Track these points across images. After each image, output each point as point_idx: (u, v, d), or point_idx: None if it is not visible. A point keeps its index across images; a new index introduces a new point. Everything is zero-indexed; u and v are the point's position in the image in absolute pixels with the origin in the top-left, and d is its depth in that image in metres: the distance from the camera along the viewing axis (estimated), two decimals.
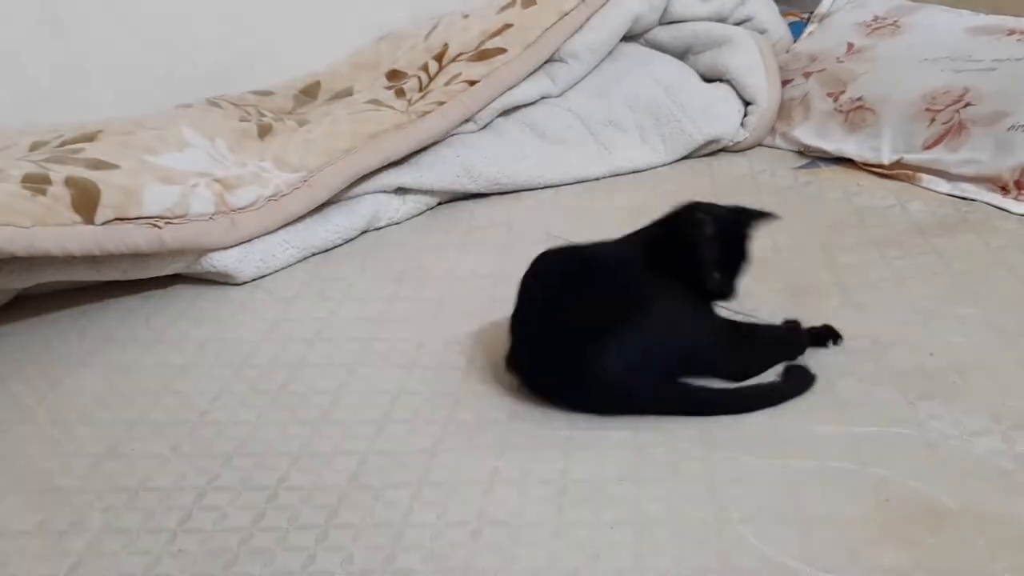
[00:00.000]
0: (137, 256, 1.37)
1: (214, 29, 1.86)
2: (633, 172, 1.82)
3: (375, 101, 1.75)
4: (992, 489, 0.89)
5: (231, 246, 1.43)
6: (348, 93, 1.86)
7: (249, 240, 1.45)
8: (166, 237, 1.36)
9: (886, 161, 1.66)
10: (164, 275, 1.43)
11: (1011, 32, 1.74)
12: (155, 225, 1.36)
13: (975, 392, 1.04)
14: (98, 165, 1.39)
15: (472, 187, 1.71)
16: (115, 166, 1.40)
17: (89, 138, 1.47)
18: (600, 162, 1.81)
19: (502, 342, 1.18)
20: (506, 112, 1.83)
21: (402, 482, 0.95)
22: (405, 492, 0.94)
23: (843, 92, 1.77)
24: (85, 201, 1.32)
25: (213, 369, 1.21)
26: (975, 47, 1.72)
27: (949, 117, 1.61)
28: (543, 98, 1.88)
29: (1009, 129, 1.54)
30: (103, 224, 1.32)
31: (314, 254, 1.52)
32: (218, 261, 1.42)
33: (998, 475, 0.91)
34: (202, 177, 1.46)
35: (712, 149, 1.86)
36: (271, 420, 1.08)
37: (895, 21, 1.90)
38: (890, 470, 0.92)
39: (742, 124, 1.86)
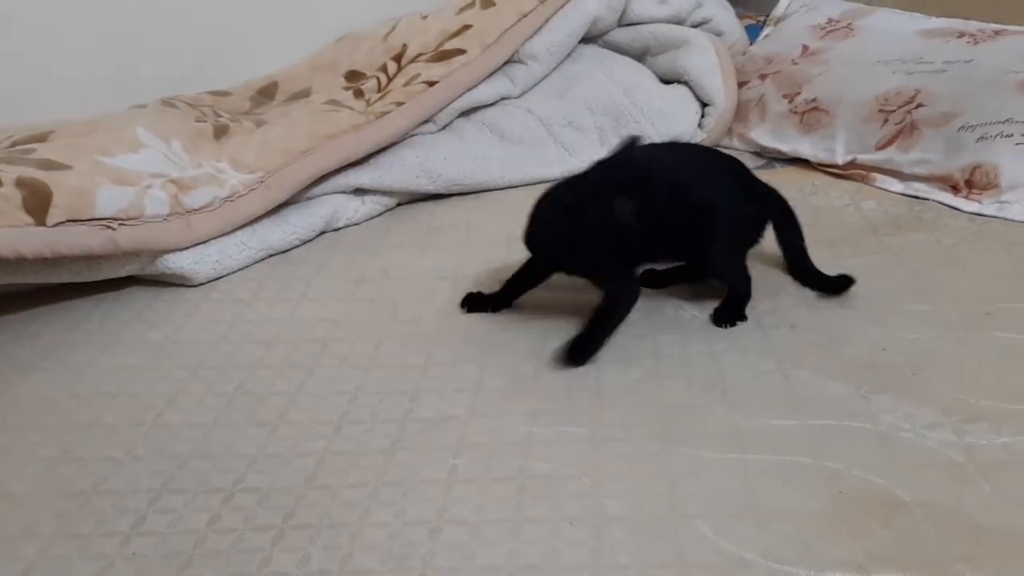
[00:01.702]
0: (90, 258, 1.35)
1: (170, 29, 1.83)
2: None
3: (333, 102, 1.74)
4: (943, 481, 0.91)
5: (186, 247, 1.42)
6: (306, 94, 1.85)
7: (205, 241, 1.43)
8: (119, 239, 1.34)
9: (840, 161, 1.68)
10: (119, 277, 1.41)
11: (961, 35, 1.78)
12: (108, 227, 1.34)
13: (927, 386, 1.05)
14: (50, 166, 1.37)
15: (431, 188, 1.70)
16: (68, 167, 1.38)
17: (41, 139, 1.45)
18: (560, 163, 1.81)
19: (462, 341, 1.19)
20: (466, 113, 1.83)
21: (360, 482, 0.95)
22: (363, 492, 0.93)
23: (798, 94, 1.79)
24: (36, 202, 1.30)
25: (169, 371, 1.20)
26: (926, 49, 1.75)
27: (901, 118, 1.64)
28: (503, 99, 1.88)
29: (959, 130, 1.57)
30: (55, 225, 1.29)
31: (271, 255, 1.51)
32: (173, 263, 1.41)
33: (949, 467, 0.93)
34: (157, 178, 1.45)
35: None
36: (227, 422, 1.07)
37: (849, 24, 1.93)
38: (844, 463, 0.93)
39: (700, 125, 1.87)
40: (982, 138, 1.54)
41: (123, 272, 1.41)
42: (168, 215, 1.41)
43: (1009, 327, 1.15)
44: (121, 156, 1.46)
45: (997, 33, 1.76)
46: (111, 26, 1.77)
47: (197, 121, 1.65)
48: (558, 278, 1.29)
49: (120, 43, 1.79)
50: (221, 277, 1.45)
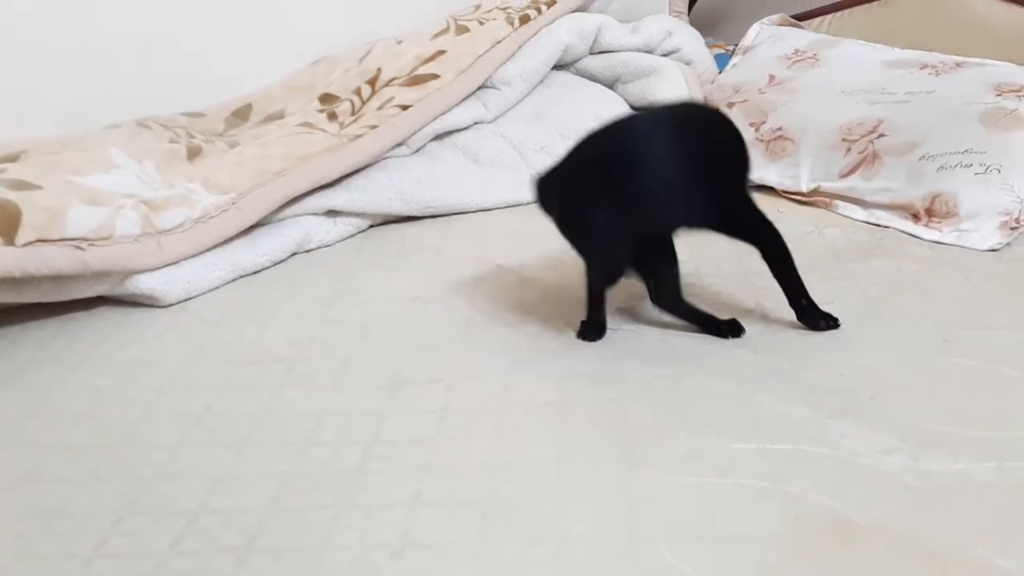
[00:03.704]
0: (59, 278, 1.35)
1: (145, 50, 1.84)
2: None
3: (307, 124, 1.76)
4: (899, 506, 0.92)
5: (157, 268, 1.42)
6: (280, 116, 1.87)
7: (176, 262, 1.44)
8: (89, 259, 1.34)
9: (805, 189, 1.71)
10: (88, 297, 1.41)
11: (923, 66, 1.82)
12: (78, 247, 1.34)
13: (885, 411, 1.07)
14: (21, 186, 1.37)
15: (404, 210, 1.72)
16: (38, 187, 1.38)
17: (12, 159, 1.45)
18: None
19: (429, 362, 1.20)
20: (439, 136, 1.86)
21: (324, 504, 0.95)
22: (327, 514, 0.93)
23: (764, 122, 1.83)
24: (6, 222, 1.30)
25: (136, 392, 1.20)
26: (889, 80, 1.79)
27: (864, 147, 1.67)
28: (476, 123, 1.91)
29: (920, 159, 1.60)
30: (24, 245, 1.30)
31: (242, 276, 1.52)
32: (143, 283, 1.41)
33: (905, 492, 0.94)
34: (129, 199, 1.45)
35: None
36: (193, 443, 1.07)
37: (815, 55, 1.97)
38: (802, 487, 0.95)
39: None
40: (942, 168, 1.57)
41: (92, 292, 1.41)
42: (139, 236, 1.41)
43: (966, 354, 1.18)
44: (93, 176, 1.46)
45: (958, 65, 1.81)
46: (86, 47, 1.78)
47: (171, 142, 1.66)
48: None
49: (95, 64, 1.80)
50: (192, 298, 1.45)
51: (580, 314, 1.30)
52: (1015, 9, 1.98)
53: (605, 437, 1.06)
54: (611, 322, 1.30)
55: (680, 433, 1.06)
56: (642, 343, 1.27)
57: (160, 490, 0.99)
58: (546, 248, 1.58)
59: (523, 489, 0.97)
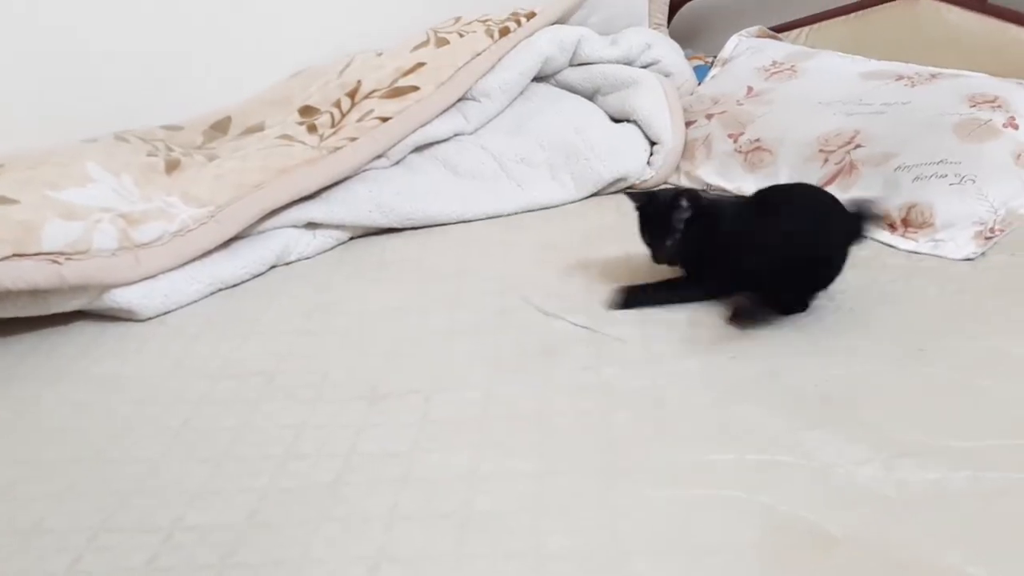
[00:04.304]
0: (36, 292, 1.35)
1: (123, 63, 1.84)
2: (544, 208, 1.86)
3: (286, 136, 1.76)
4: (874, 516, 0.93)
5: (134, 282, 1.41)
6: (259, 128, 1.86)
7: (154, 276, 1.44)
8: (66, 273, 1.34)
9: None
10: (66, 311, 1.40)
11: (899, 77, 1.84)
12: (55, 261, 1.34)
13: (860, 421, 1.08)
14: None
15: (384, 222, 1.72)
16: (15, 201, 1.38)
17: None
18: (512, 198, 1.84)
19: (409, 373, 1.20)
20: (419, 148, 1.86)
21: (302, 519, 0.95)
22: (304, 529, 0.93)
23: (742, 133, 1.84)
24: None
25: (113, 406, 1.19)
26: (866, 91, 1.81)
27: (841, 158, 1.69)
28: (456, 135, 1.91)
29: (896, 170, 1.62)
30: (0, 260, 1.29)
31: (221, 289, 1.51)
32: (121, 297, 1.40)
33: (879, 502, 0.94)
34: (106, 212, 1.45)
35: (620, 187, 1.90)
36: (171, 458, 1.07)
37: (792, 66, 1.99)
38: (778, 498, 0.95)
39: (648, 163, 1.91)
40: (918, 178, 1.59)
41: (70, 307, 1.40)
42: (116, 250, 1.41)
43: (941, 363, 1.19)
44: (70, 190, 1.46)
45: (933, 76, 1.83)
46: (63, 60, 1.78)
47: (148, 155, 1.66)
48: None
49: (72, 77, 1.79)
50: (170, 311, 1.45)
51: (561, 322, 1.33)
52: (989, 21, 2.00)
53: (584, 449, 1.06)
54: (592, 328, 1.31)
55: (659, 444, 1.06)
56: (624, 349, 1.28)
57: (137, 506, 0.99)
58: (526, 258, 1.59)
59: (502, 502, 0.97)
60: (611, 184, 1.89)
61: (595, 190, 1.89)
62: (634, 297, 1.38)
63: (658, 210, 1.37)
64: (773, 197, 1.39)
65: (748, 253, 1.30)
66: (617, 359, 1.25)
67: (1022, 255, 1.46)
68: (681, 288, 1.39)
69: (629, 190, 1.40)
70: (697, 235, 1.35)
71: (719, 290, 1.38)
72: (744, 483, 0.98)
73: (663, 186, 1.89)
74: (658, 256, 1.38)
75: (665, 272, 1.42)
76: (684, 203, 1.35)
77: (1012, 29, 1.96)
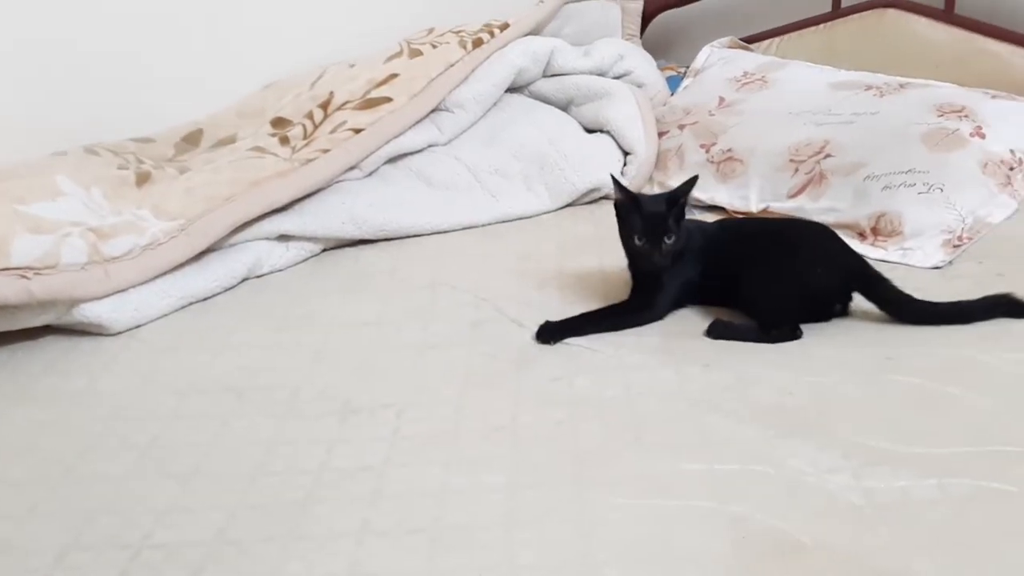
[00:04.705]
0: (4, 308, 1.33)
1: (93, 75, 1.83)
2: (519, 219, 1.85)
3: (258, 148, 1.75)
4: (843, 524, 0.93)
5: (104, 296, 1.40)
6: (231, 140, 1.85)
7: (124, 290, 1.42)
8: (35, 288, 1.33)
9: (754, 209, 1.74)
10: (35, 326, 1.39)
11: (868, 88, 1.86)
12: (23, 276, 1.32)
13: (830, 429, 1.09)
14: None
15: (357, 234, 1.71)
16: None
17: None
18: (486, 209, 1.84)
19: (381, 387, 1.19)
20: (393, 160, 1.86)
21: (271, 536, 0.94)
22: (274, 546, 0.93)
23: (714, 144, 1.85)
24: None
25: (82, 423, 1.18)
26: (835, 101, 1.82)
27: (811, 168, 1.70)
28: (430, 146, 1.91)
29: (865, 179, 1.63)
30: None
31: (192, 303, 1.50)
32: (90, 311, 1.39)
33: (849, 510, 0.95)
34: (75, 226, 1.44)
35: (594, 197, 1.91)
36: (139, 475, 1.06)
37: (763, 77, 2.01)
38: (749, 507, 0.96)
39: (622, 173, 1.92)
40: (887, 187, 1.60)
41: (39, 321, 1.39)
42: (86, 264, 1.39)
43: (909, 371, 1.20)
44: (38, 204, 1.45)
45: (902, 86, 1.85)
46: (32, 73, 1.76)
47: (119, 168, 1.64)
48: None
49: (43, 89, 1.78)
50: (140, 326, 1.44)
51: (532, 333, 1.34)
52: (956, 31, 2.03)
53: (557, 460, 1.06)
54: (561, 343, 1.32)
55: (631, 455, 1.07)
56: (597, 360, 1.28)
57: (105, 523, 0.98)
58: (501, 269, 1.59)
59: (473, 516, 0.97)
60: (585, 194, 1.90)
61: (569, 200, 1.89)
62: (561, 330, 1.33)
63: (652, 211, 1.33)
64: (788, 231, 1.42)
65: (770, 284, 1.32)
66: (590, 369, 1.25)
67: (990, 263, 1.48)
68: (610, 318, 1.36)
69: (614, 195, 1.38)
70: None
71: (661, 315, 1.37)
72: (716, 493, 0.98)
73: None
74: (654, 259, 1.33)
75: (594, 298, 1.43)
76: (683, 200, 1.33)
77: (978, 39, 1.99)
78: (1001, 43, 1.97)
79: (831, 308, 1.35)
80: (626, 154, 1.94)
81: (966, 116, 1.71)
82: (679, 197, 1.34)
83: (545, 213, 1.88)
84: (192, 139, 1.87)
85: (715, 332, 1.32)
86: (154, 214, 1.52)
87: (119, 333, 1.42)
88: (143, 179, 1.62)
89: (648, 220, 1.33)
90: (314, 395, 1.22)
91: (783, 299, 1.32)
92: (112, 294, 1.41)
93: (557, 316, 1.36)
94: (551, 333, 1.33)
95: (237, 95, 1.99)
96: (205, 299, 1.52)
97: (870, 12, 2.15)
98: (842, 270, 1.34)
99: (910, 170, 1.61)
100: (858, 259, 1.36)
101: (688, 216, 1.38)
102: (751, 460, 1.04)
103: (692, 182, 1.35)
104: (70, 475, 1.07)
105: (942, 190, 1.58)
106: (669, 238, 1.32)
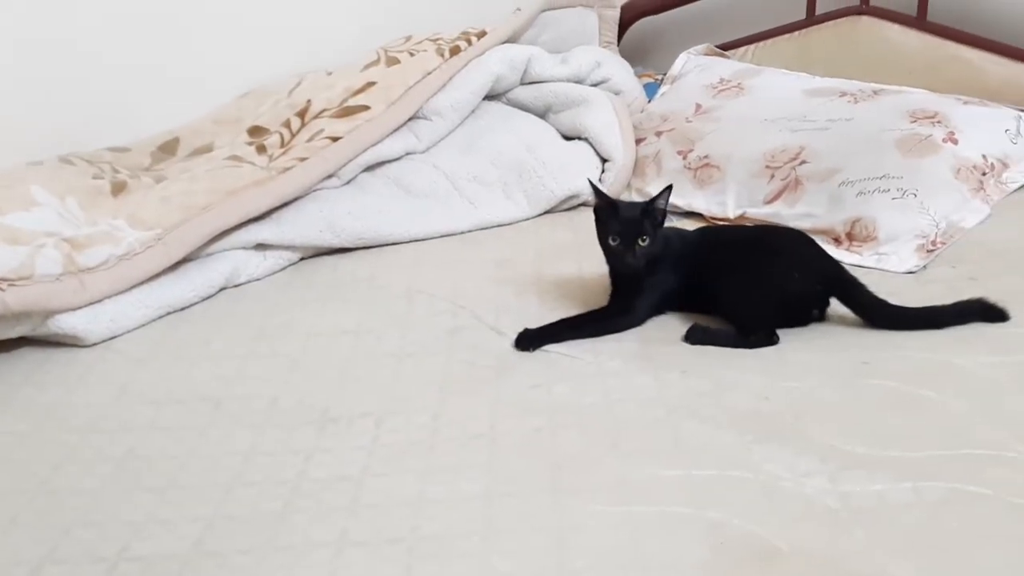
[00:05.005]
0: None
1: (68, 85, 1.81)
2: (497, 226, 1.86)
3: (235, 157, 1.74)
4: (819, 529, 0.94)
5: (79, 307, 1.39)
6: (208, 149, 1.85)
7: (99, 301, 1.41)
8: (9, 300, 1.31)
9: (731, 215, 1.75)
10: (10, 338, 1.37)
11: (843, 94, 1.88)
12: None
13: (807, 434, 1.09)
14: None
15: (336, 242, 1.71)
16: None
17: None
18: (465, 216, 1.84)
19: (359, 396, 1.19)
20: (371, 168, 1.85)
21: (248, 547, 0.94)
22: (251, 558, 0.92)
23: (691, 150, 1.86)
24: None
25: (57, 435, 1.17)
26: (810, 108, 1.84)
27: (787, 174, 1.71)
28: (408, 154, 1.91)
29: (840, 185, 1.65)
30: None
31: (169, 313, 1.49)
32: (66, 323, 1.38)
33: (825, 515, 0.96)
34: (50, 237, 1.43)
35: (572, 204, 1.91)
36: (115, 487, 1.05)
37: (739, 83, 2.02)
38: (726, 513, 0.96)
39: (600, 180, 1.92)
40: (861, 193, 1.62)
41: (14, 333, 1.38)
42: (61, 274, 1.39)
43: (884, 375, 1.21)
44: (13, 215, 1.44)
45: (876, 93, 1.87)
46: (8, 83, 1.75)
47: (94, 178, 1.64)
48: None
49: (17, 99, 1.76)
50: (116, 336, 1.43)
51: (511, 340, 1.34)
52: (928, 38, 2.05)
53: (535, 468, 1.06)
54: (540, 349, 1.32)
55: (609, 462, 1.07)
56: (574, 366, 1.28)
57: (81, 537, 0.97)
58: (479, 276, 1.59)
59: (451, 525, 0.97)
60: (564, 201, 1.90)
61: (548, 207, 1.90)
62: (540, 337, 1.34)
63: (627, 215, 1.36)
64: (768, 238, 1.44)
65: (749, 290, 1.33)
66: (569, 376, 1.26)
67: (963, 268, 1.49)
68: (590, 324, 1.37)
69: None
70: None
71: (640, 321, 1.38)
72: (693, 499, 0.99)
73: None
74: (627, 260, 1.34)
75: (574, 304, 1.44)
76: (661, 204, 1.35)
77: (950, 46, 2.02)
78: (973, 49, 1.99)
79: (809, 313, 1.36)
80: (604, 161, 1.95)
81: (939, 122, 1.73)
82: (655, 203, 1.35)
83: (523, 220, 1.88)
84: (168, 148, 1.86)
85: (693, 338, 1.33)
86: (130, 224, 1.51)
87: (95, 344, 1.41)
88: (119, 189, 1.61)
89: (624, 222, 1.35)
90: (292, 405, 1.21)
91: (761, 304, 1.33)
92: (87, 305, 1.40)
93: (536, 323, 1.36)
94: (530, 340, 1.33)
95: (214, 104, 1.98)
96: (182, 309, 1.51)
97: (844, 19, 2.17)
98: (819, 275, 1.35)
99: (884, 176, 1.62)
100: (834, 264, 1.37)
101: (667, 223, 1.39)
102: (728, 466, 1.04)
103: (668, 191, 1.37)
104: (45, 488, 1.06)
105: (916, 195, 1.59)
106: (643, 240, 1.33)
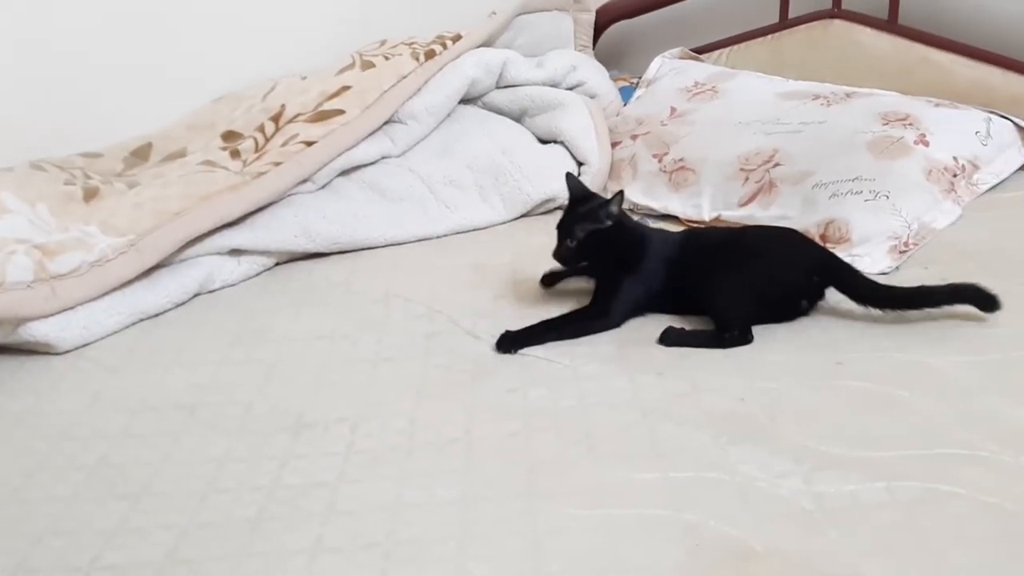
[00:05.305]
0: None
1: (39, 89, 1.80)
2: (473, 230, 1.85)
3: (208, 162, 1.73)
4: (794, 529, 0.94)
5: (51, 315, 1.38)
6: (181, 155, 1.83)
7: (71, 308, 1.40)
8: None
9: (707, 218, 1.75)
10: None
11: (816, 97, 1.89)
12: None
13: (781, 435, 1.10)
14: None
15: (311, 247, 1.70)
16: None
17: None
18: (441, 220, 1.84)
19: (334, 401, 1.18)
20: (346, 172, 1.85)
21: (223, 554, 0.93)
22: (225, 565, 0.92)
23: (666, 153, 1.87)
24: None
25: (29, 443, 1.16)
26: (784, 111, 1.85)
27: (761, 176, 1.72)
28: (383, 158, 1.91)
29: (813, 187, 1.66)
30: None
31: (142, 320, 1.48)
32: (37, 330, 1.37)
33: (799, 515, 0.96)
34: (21, 244, 1.42)
35: (549, 207, 1.91)
36: (88, 495, 1.04)
37: (713, 87, 2.03)
38: (702, 515, 0.96)
39: None
40: (834, 195, 1.63)
41: None
42: (32, 282, 1.37)
43: (858, 376, 1.22)
44: None
45: (848, 96, 1.88)
46: None
47: (66, 184, 1.62)
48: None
49: None
50: (89, 344, 1.41)
51: (487, 344, 1.33)
52: (899, 41, 2.07)
53: (511, 472, 1.06)
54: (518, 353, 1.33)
55: (585, 465, 1.07)
56: (550, 369, 1.28)
57: (53, 546, 0.96)
58: (455, 280, 1.59)
59: (427, 530, 0.96)
60: (540, 205, 1.90)
61: (524, 211, 1.90)
62: (520, 339, 1.35)
63: (581, 211, 1.40)
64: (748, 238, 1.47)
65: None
66: (545, 380, 1.26)
67: (935, 268, 1.50)
68: (569, 325, 1.38)
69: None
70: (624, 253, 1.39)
71: (618, 322, 1.39)
72: (670, 501, 0.99)
73: None
74: (554, 252, 1.40)
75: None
76: (605, 213, 1.38)
77: (920, 49, 2.03)
78: (943, 52, 2.01)
79: (799, 305, 1.38)
80: (580, 164, 1.95)
81: (910, 124, 1.74)
82: (598, 208, 1.39)
83: (500, 224, 1.88)
84: (141, 153, 1.85)
85: (668, 340, 1.33)
86: (102, 230, 1.50)
87: (67, 352, 1.39)
88: (91, 195, 1.60)
89: (564, 218, 1.41)
90: (267, 411, 1.21)
91: (747, 299, 1.34)
92: (59, 312, 1.39)
93: (512, 327, 1.36)
94: (511, 342, 1.34)
95: (187, 109, 1.97)
96: (156, 315, 1.50)
97: (816, 23, 2.18)
98: (808, 262, 1.39)
99: (856, 178, 1.63)
100: (824, 251, 1.43)
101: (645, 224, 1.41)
102: (704, 467, 1.04)
103: (619, 195, 1.39)
104: (16, 496, 1.05)
105: (888, 197, 1.61)
106: (571, 241, 1.38)
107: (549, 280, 1.51)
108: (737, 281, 1.35)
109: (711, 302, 1.36)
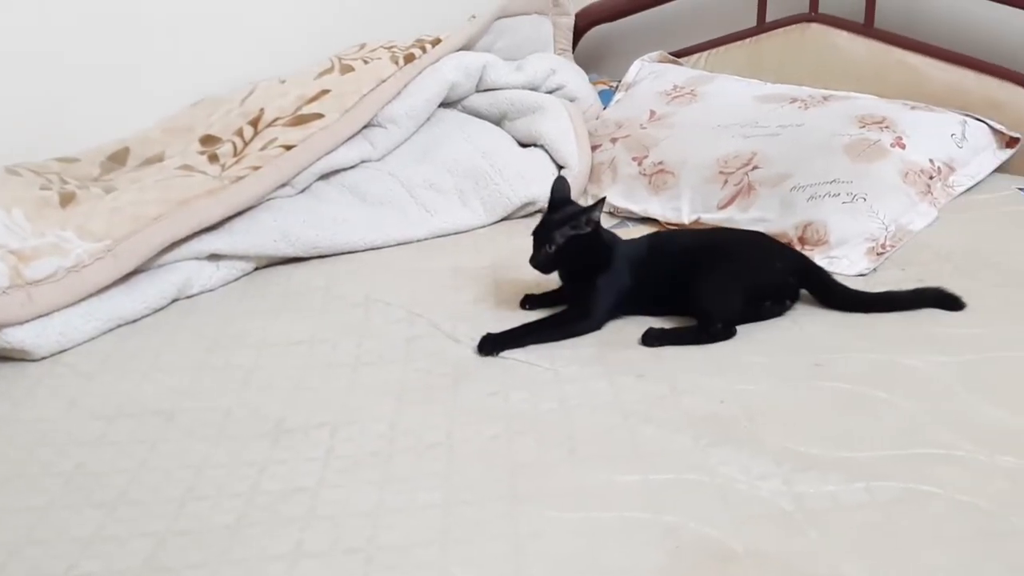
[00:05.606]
0: None
1: (13, 92, 1.78)
2: (454, 234, 1.85)
3: (186, 167, 1.72)
4: (774, 530, 0.95)
5: (27, 321, 1.36)
6: (159, 159, 1.82)
7: (47, 314, 1.39)
8: None
9: (686, 221, 1.76)
10: None
11: (793, 100, 1.90)
12: None
13: (761, 436, 1.10)
14: None
15: (290, 251, 1.69)
16: None
17: None
18: (421, 224, 1.84)
19: (314, 406, 1.18)
20: (325, 176, 1.84)
21: (202, 561, 0.92)
22: (204, 572, 0.91)
23: (646, 157, 1.87)
24: None
25: (4, 451, 1.15)
26: (762, 114, 1.86)
27: (739, 179, 1.73)
28: (363, 162, 1.90)
29: (791, 190, 1.67)
30: None
31: (120, 325, 1.47)
32: (12, 337, 1.35)
33: (779, 516, 0.97)
34: None
35: (529, 211, 1.91)
36: (63, 504, 1.03)
37: (692, 90, 2.04)
38: (682, 517, 0.96)
39: None
40: (812, 197, 1.64)
41: None
42: (7, 288, 1.36)
43: (837, 377, 1.22)
44: None
45: (825, 99, 1.90)
46: None
47: (42, 189, 1.60)
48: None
49: None
50: (65, 350, 1.40)
51: (468, 348, 1.33)
52: (875, 44, 2.08)
53: (492, 476, 1.06)
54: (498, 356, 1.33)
55: (566, 468, 1.07)
56: (531, 372, 1.28)
57: (27, 555, 0.95)
58: (435, 284, 1.59)
59: (408, 535, 0.96)
60: (520, 208, 1.90)
61: (505, 215, 1.90)
62: (502, 342, 1.35)
63: (557, 217, 1.40)
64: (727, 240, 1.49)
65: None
66: (525, 383, 1.26)
67: (912, 270, 1.52)
68: (550, 328, 1.39)
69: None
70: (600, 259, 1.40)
71: (599, 324, 1.39)
72: (650, 503, 0.99)
73: None
74: (531, 258, 1.41)
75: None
76: (586, 219, 1.38)
77: (896, 52, 2.05)
78: (918, 55, 2.03)
79: (782, 304, 1.40)
80: (560, 168, 1.95)
81: (887, 127, 1.76)
82: (578, 215, 1.39)
83: (480, 228, 1.88)
84: (118, 158, 1.83)
85: (651, 340, 1.34)
86: (78, 235, 1.48)
87: (43, 358, 1.38)
88: (67, 199, 1.58)
89: (542, 224, 1.41)
90: (246, 416, 1.20)
91: (732, 293, 1.36)
92: (35, 318, 1.37)
93: (493, 330, 1.36)
94: (493, 344, 1.34)
95: (164, 113, 1.96)
96: (133, 321, 1.49)
97: (794, 27, 2.20)
98: (783, 262, 1.41)
99: (834, 180, 1.65)
100: (797, 253, 1.47)
101: (623, 228, 1.41)
102: (685, 469, 1.05)
103: (601, 203, 1.40)
104: None
105: (865, 199, 1.62)
106: (550, 247, 1.38)
107: (530, 304, 1.49)
108: (722, 276, 1.37)
109: (695, 298, 1.37)
